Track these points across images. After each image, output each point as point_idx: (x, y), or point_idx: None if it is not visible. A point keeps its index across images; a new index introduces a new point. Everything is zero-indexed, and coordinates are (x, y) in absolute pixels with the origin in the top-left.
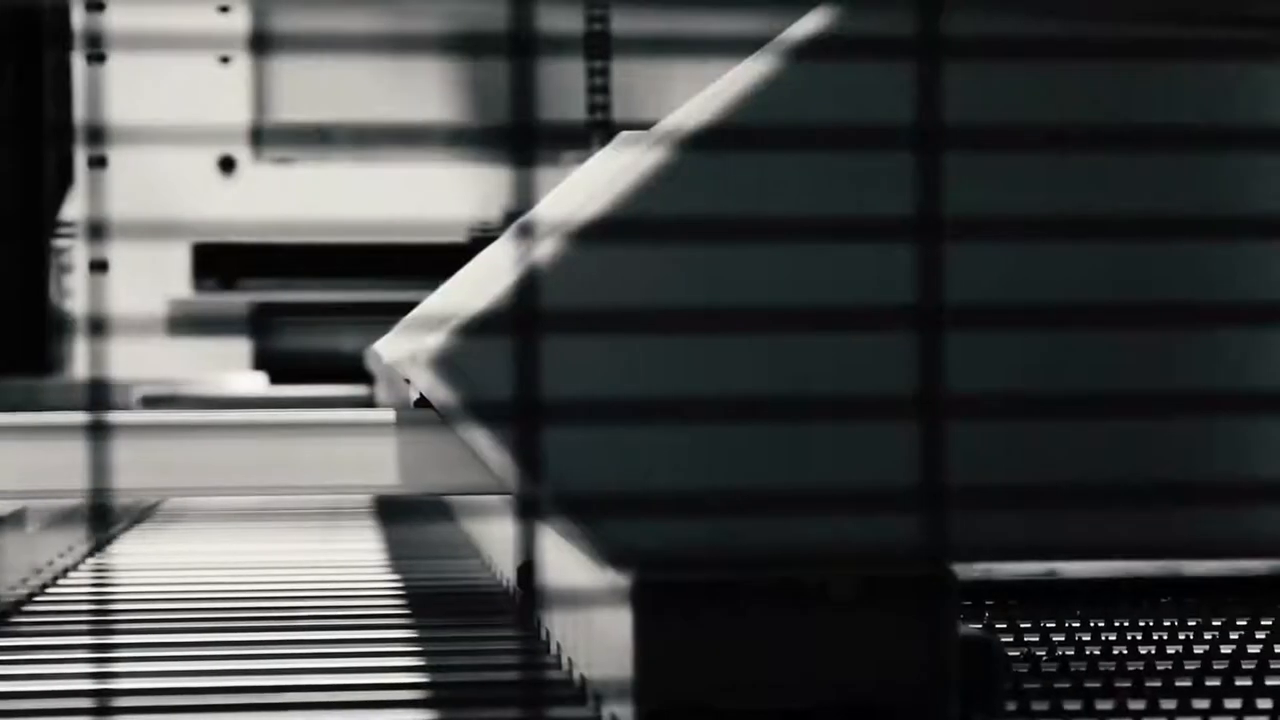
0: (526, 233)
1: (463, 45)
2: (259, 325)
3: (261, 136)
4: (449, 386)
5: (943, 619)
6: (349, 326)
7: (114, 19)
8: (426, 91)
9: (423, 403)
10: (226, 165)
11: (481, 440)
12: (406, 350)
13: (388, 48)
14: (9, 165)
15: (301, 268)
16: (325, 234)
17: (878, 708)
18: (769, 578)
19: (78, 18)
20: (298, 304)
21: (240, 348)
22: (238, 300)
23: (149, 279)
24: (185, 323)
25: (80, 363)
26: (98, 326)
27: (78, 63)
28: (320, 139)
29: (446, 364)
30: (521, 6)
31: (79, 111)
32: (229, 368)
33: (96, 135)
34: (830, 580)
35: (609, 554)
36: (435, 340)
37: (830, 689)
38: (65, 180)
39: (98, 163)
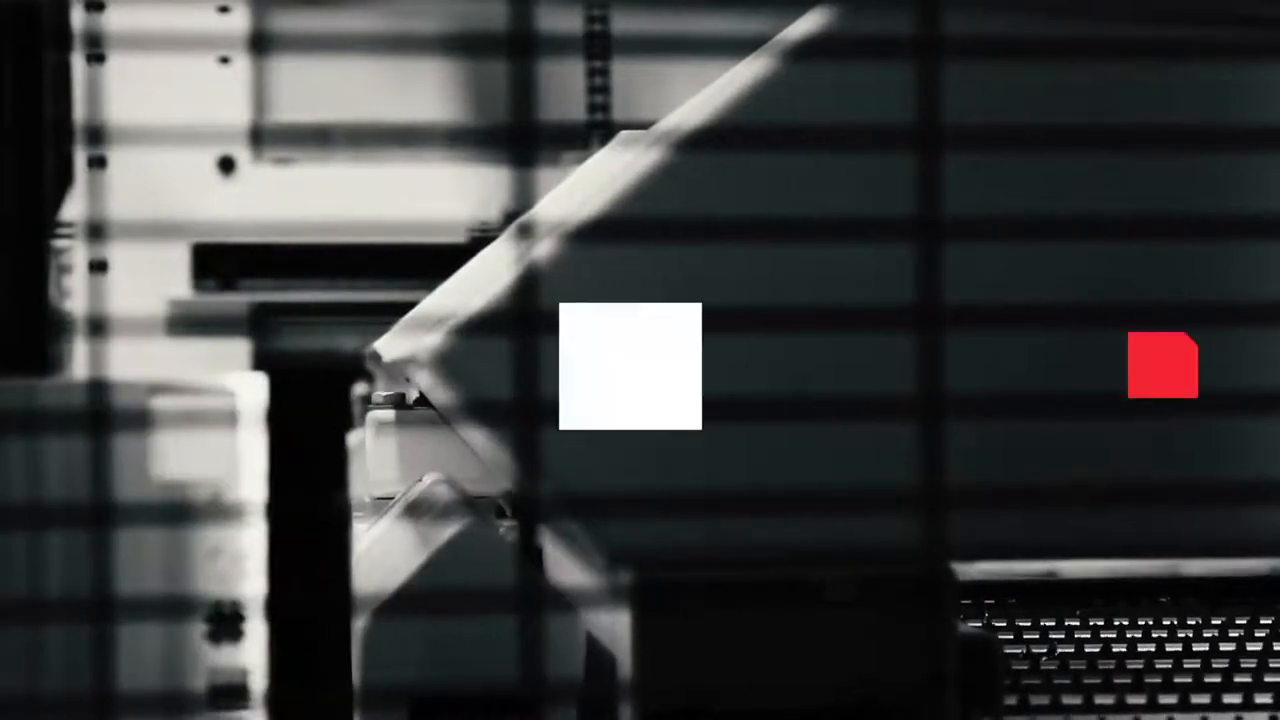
0: (525, 233)
1: (463, 45)
2: (259, 325)
3: (261, 136)
4: (448, 385)
5: (942, 618)
6: (349, 326)
7: (114, 19)
8: (426, 91)
9: (422, 401)
10: (226, 165)
11: (480, 439)
12: (406, 349)
13: (388, 48)
14: (8, 165)
15: (301, 268)
16: (325, 234)
17: (877, 707)
18: (768, 578)
19: (78, 18)
20: (298, 304)
21: (240, 348)
22: (238, 300)
23: (148, 279)
24: (185, 323)
25: (80, 363)
26: (97, 326)
27: (78, 63)
28: (320, 139)
29: (446, 363)
30: (521, 6)
31: (79, 111)
32: (228, 368)
33: (96, 135)
34: (829, 581)
35: (608, 554)
36: (435, 339)
37: (829, 689)
38: (65, 180)
39: (97, 163)
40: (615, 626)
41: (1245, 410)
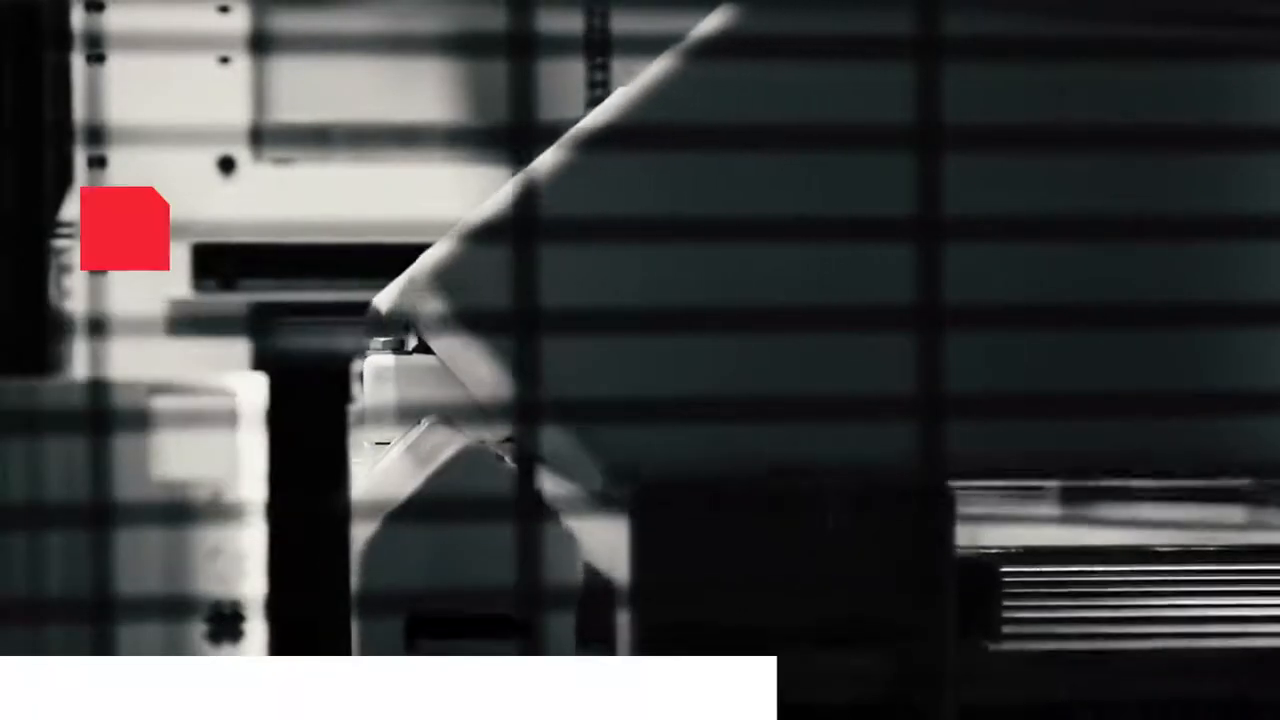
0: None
1: (463, 45)
2: (259, 325)
3: (261, 136)
4: (446, 297)
5: (940, 538)
6: (349, 326)
7: (114, 19)
8: (426, 91)
9: (421, 347)
10: (226, 165)
11: (479, 373)
12: (405, 277)
13: (388, 48)
14: (8, 165)
15: (301, 268)
16: (325, 234)
17: (874, 624)
18: (768, 491)
19: (78, 18)
20: (298, 304)
21: (240, 348)
22: (238, 300)
23: (148, 279)
24: (184, 323)
25: (80, 363)
26: (97, 326)
27: (78, 63)
28: (320, 139)
29: (444, 275)
30: (521, 6)
31: (79, 111)
32: (228, 368)
33: (96, 135)
34: (827, 495)
35: (607, 469)
36: (431, 257)
37: (828, 604)
38: (65, 180)
39: (98, 163)
40: (613, 542)
41: (1244, 410)
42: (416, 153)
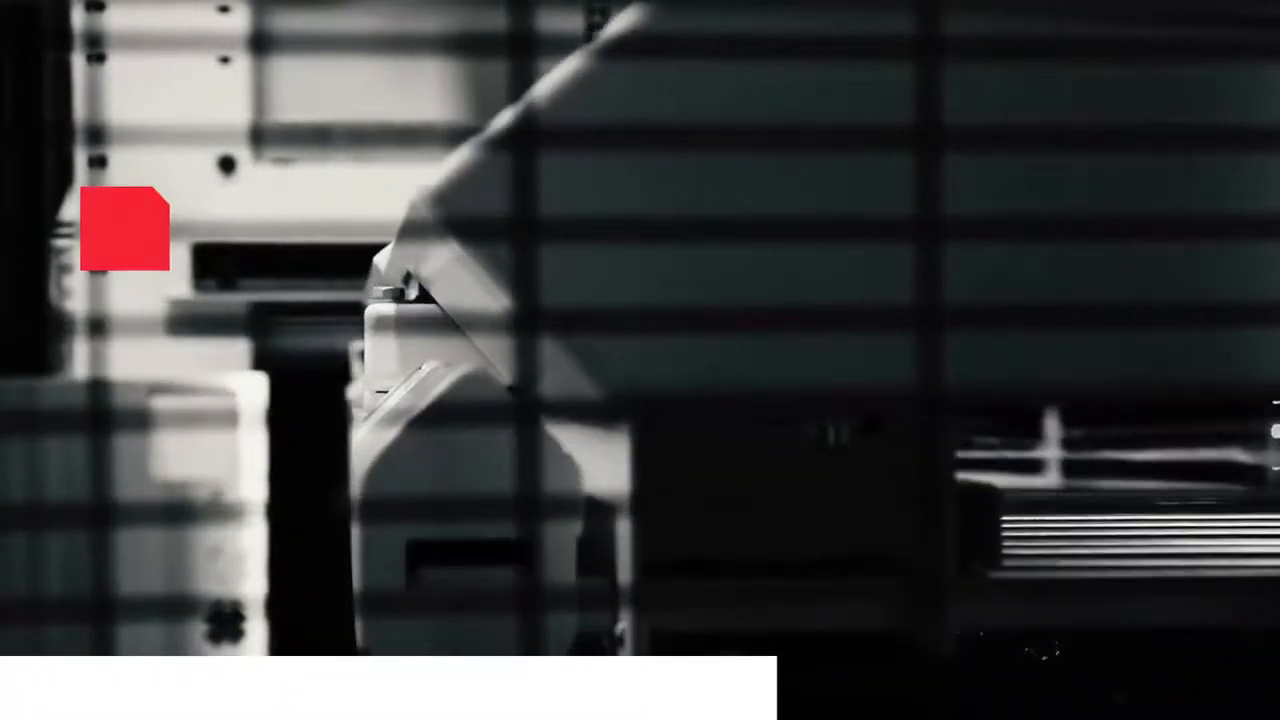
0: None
1: (463, 45)
2: (259, 325)
3: (261, 136)
4: (445, 216)
5: (941, 466)
6: (349, 326)
7: (114, 19)
8: (426, 91)
9: (423, 298)
10: (226, 165)
11: (473, 271)
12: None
13: (388, 48)
14: (8, 165)
15: (301, 268)
16: (325, 234)
17: (875, 554)
18: (767, 425)
19: (78, 18)
20: (298, 304)
21: (240, 348)
22: (238, 300)
23: (148, 279)
24: (185, 323)
25: (80, 363)
26: (97, 326)
27: (78, 63)
28: (320, 139)
29: (444, 197)
30: (521, 6)
31: (79, 111)
32: (228, 368)
33: (96, 135)
34: (828, 427)
35: (608, 390)
36: (432, 184)
37: (828, 534)
38: (65, 180)
39: (98, 163)
40: (614, 477)
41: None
42: (416, 153)
